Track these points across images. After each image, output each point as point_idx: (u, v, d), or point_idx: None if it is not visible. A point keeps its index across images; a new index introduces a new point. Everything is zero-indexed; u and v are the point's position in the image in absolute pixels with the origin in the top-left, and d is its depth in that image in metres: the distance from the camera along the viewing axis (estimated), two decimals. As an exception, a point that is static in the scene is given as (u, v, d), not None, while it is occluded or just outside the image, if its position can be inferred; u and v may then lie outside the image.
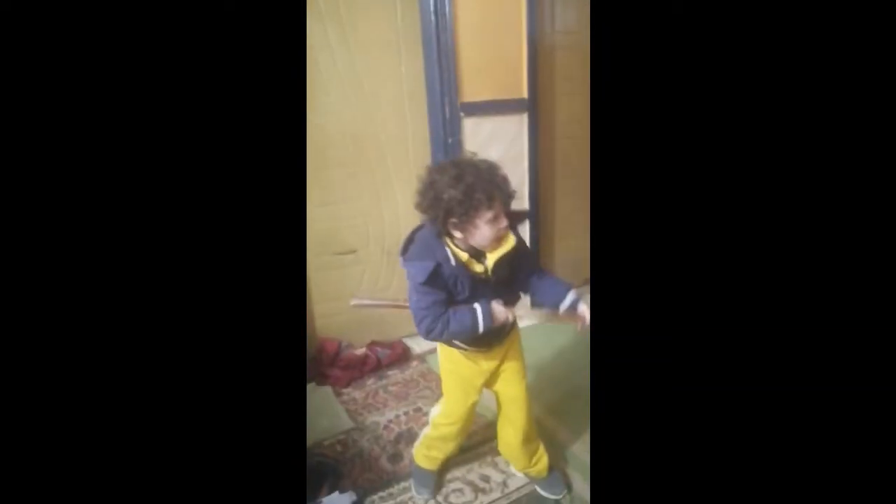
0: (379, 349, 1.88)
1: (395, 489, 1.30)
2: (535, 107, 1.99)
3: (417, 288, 0.99)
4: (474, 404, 1.21)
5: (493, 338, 1.10)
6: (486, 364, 1.15)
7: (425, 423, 1.29)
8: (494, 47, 1.86)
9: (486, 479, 1.32)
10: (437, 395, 1.23)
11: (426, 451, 1.28)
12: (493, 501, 1.25)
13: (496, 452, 1.38)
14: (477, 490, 1.28)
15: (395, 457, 1.41)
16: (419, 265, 0.97)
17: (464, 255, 0.99)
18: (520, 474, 1.31)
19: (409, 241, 1.04)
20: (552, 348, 1.98)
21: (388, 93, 1.81)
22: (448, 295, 1.00)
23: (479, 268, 1.01)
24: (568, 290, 1.09)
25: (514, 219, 1.03)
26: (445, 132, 1.81)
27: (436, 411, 1.25)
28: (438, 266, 0.97)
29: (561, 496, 1.26)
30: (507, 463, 1.35)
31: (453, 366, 1.16)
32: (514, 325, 1.17)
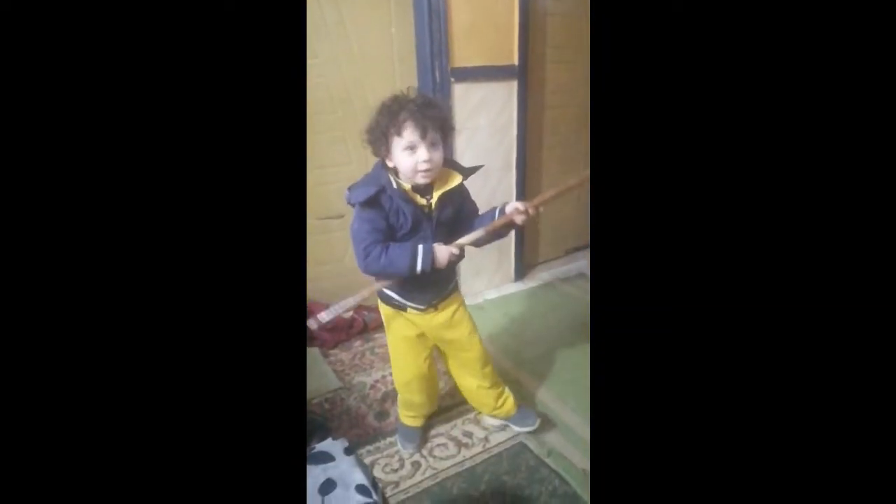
0: (366, 313, 1.91)
1: (381, 444, 1.35)
2: (525, 74, 1.98)
3: (358, 214, 1.03)
4: (421, 371, 1.23)
5: (430, 294, 1.13)
6: (423, 328, 1.18)
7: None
8: (486, 11, 1.83)
9: (468, 434, 1.38)
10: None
11: (405, 411, 1.33)
12: (475, 455, 1.31)
13: (479, 411, 1.44)
14: (460, 445, 1.35)
15: (382, 414, 1.46)
16: (360, 189, 1.01)
17: (406, 185, 1.02)
18: (490, 420, 1.38)
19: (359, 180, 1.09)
20: (528, 313, 2.03)
21: (378, 55, 1.78)
22: (388, 227, 1.03)
23: (421, 200, 1.04)
24: (497, 208, 1.11)
25: (467, 171, 1.09)
26: (435, 97, 1.80)
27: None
28: (381, 191, 1.00)
29: (534, 426, 1.34)
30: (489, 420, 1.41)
31: (393, 326, 1.19)
32: (454, 289, 1.20)
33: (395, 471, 1.26)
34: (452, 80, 1.81)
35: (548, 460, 1.28)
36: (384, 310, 1.20)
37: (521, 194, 2.17)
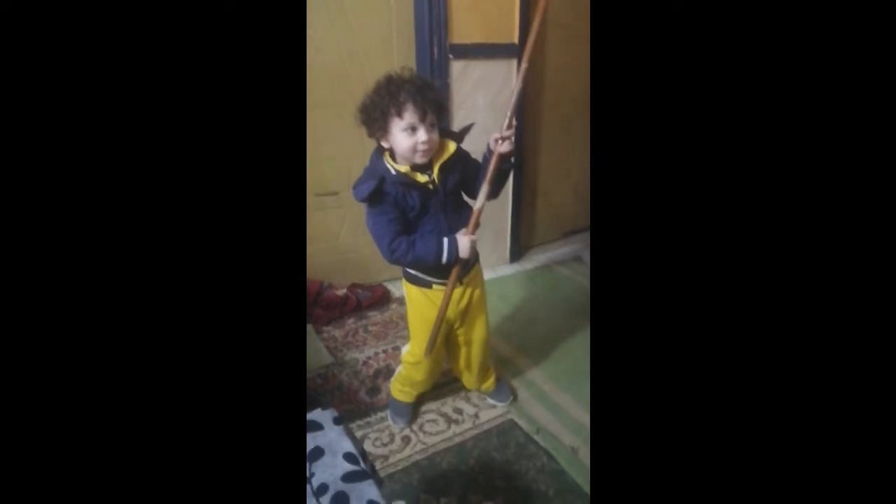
0: (360, 291, 1.91)
1: (372, 418, 1.36)
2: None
3: (369, 210, 1.04)
4: (441, 342, 1.25)
5: (461, 269, 1.13)
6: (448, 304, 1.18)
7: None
8: (487, -13, 1.80)
9: (459, 411, 1.39)
10: (415, 335, 1.28)
11: (400, 387, 1.34)
12: (465, 431, 1.32)
13: (465, 385, 1.46)
14: (450, 421, 1.36)
15: (373, 390, 1.47)
16: (362, 184, 1.02)
17: (403, 167, 1.01)
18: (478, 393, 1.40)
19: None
20: (523, 294, 2.04)
21: (376, 29, 1.74)
22: (400, 213, 1.04)
23: (422, 178, 1.03)
24: (485, 152, 1.08)
25: (459, 134, 1.08)
26: (433, 74, 1.77)
27: (405, 350, 1.31)
28: (382, 182, 1.01)
29: (508, 401, 1.40)
30: (480, 398, 1.43)
31: (416, 305, 1.20)
32: (475, 263, 1.20)
33: (385, 445, 1.27)
34: (451, 56, 1.79)
35: (537, 437, 1.29)
36: (408, 288, 1.20)
37: (519, 175, 2.17)
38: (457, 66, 1.82)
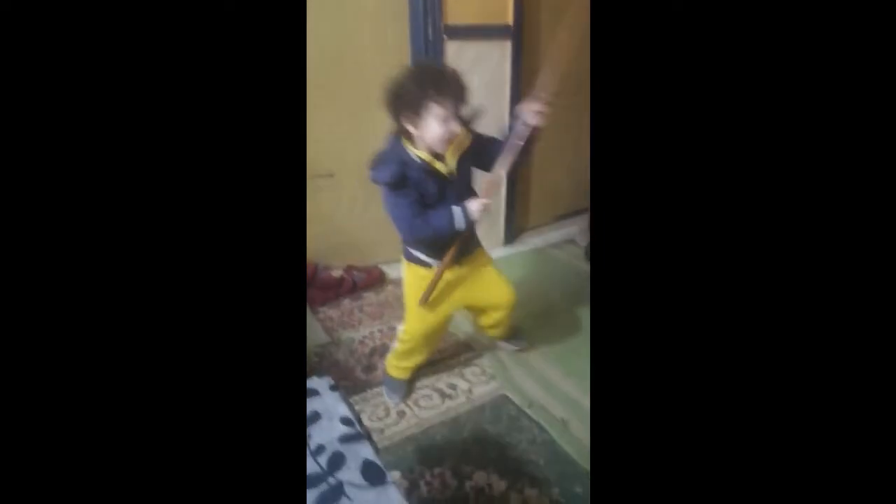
0: (355, 272, 1.93)
1: (368, 394, 1.39)
2: (520, 34, 1.95)
3: (389, 192, 1.06)
4: (438, 324, 1.28)
5: (460, 249, 1.16)
6: (449, 282, 1.21)
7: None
8: (481, -33, 1.79)
9: (453, 387, 1.42)
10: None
11: (395, 363, 1.37)
12: (459, 406, 1.35)
13: (464, 365, 1.49)
14: (444, 396, 1.39)
15: (369, 368, 1.50)
16: (384, 168, 1.03)
17: (425, 155, 1.04)
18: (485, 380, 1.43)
19: (377, 155, 1.10)
20: (517, 276, 2.06)
21: (370, 9, 1.74)
22: (419, 196, 1.06)
23: (442, 168, 1.06)
24: (511, 125, 1.12)
25: (471, 119, 1.11)
26: (427, 54, 1.77)
27: (401, 327, 1.33)
28: (404, 166, 1.03)
29: (523, 346, 1.55)
30: (474, 374, 1.47)
31: (415, 285, 1.22)
32: (476, 244, 1.23)
33: (381, 419, 1.30)
34: (445, 37, 1.78)
35: (528, 411, 1.32)
36: (409, 268, 1.23)
37: (513, 158, 2.17)
38: (451, 47, 1.82)
